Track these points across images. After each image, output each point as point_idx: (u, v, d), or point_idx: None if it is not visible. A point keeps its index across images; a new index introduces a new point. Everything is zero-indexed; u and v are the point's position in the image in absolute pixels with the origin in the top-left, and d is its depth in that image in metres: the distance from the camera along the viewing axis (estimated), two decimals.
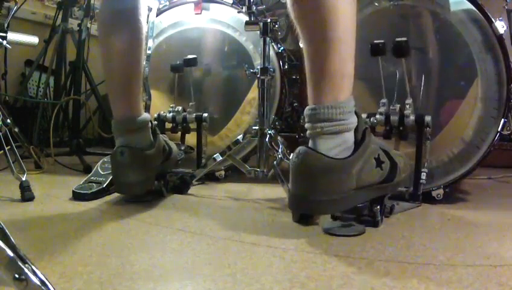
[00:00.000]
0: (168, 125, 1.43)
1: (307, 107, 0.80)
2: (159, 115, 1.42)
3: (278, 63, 1.41)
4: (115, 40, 1.02)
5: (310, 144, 0.79)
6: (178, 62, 1.48)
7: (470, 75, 1.11)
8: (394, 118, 1.09)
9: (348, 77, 0.79)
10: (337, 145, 0.77)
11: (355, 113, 0.80)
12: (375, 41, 1.12)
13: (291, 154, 1.14)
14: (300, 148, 0.76)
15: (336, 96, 0.77)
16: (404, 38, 1.10)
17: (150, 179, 1.05)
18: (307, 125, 0.80)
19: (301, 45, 0.84)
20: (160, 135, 1.12)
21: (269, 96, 1.23)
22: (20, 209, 0.94)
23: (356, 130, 0.80)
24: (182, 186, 1.19)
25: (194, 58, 1.45)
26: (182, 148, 1.32)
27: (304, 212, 0.84)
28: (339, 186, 0.75)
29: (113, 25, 1.03)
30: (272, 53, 1.34)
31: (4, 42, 1.30)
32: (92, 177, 1.13)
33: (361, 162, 0.77)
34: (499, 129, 1.07)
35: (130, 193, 1.05)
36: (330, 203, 0.75)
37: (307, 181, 0.75)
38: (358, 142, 0.79)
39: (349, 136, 0.79)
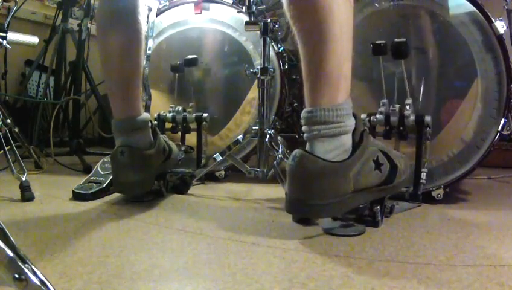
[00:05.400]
0: (168, 125, 1.43)
1: (304, 110, 0.79)
2: (159, 115, 1.42)
3: (278, 63, 1.41)
4: (114, 40, 1.01)
5: (307, 147, 0.78)
6: (178, 62, 1.48)
7: (470, 75, 1.11)
8: (394, 118, 1.09)
9: (344, 78, 0.78)
10: (334, 148, 0.76)
11: (353, 115, 0.80)
12: (376, 42, 1.12)
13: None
14: (296, 152, 0.75)
15: (332, 98, 0.77)
16: (403, 39, 1.10)
17: (150, 179, 1.05)
18: (303, 128, 0.79)
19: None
20: (161, 135, 1.12)
21: (269, 96, 1.23)
22: (20, 209, 0.94)
23: (354, 132, 0.79)
24: (181, 186, 1.19)
25: (195, 59, 1.45)
26: (182, 149, 1.32)
27: (300, 216, 0.84)
28: (335, 190, 0.75)
29: (111, 25, 1.03)
30: (272, 53, 1.34)
31: (4, 42, 1.30)
32: (92, 177, 1.13)
33: (359, 165, 0.77)
34: (499, 129, 1.07)
35: (129, 192, 1.05)
36: (326, 207, 0.74)
37: (303, 185, 0.75)
38: (356, 145, 0.78)
39: (347, 139, 0.78)
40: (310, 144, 0.78)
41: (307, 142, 0.79)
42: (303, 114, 0.79)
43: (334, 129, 0.76)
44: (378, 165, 0.80)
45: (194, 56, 1.46)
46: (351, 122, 0.79)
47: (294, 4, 0.78)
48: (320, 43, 0.76)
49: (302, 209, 0.77)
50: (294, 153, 0.76)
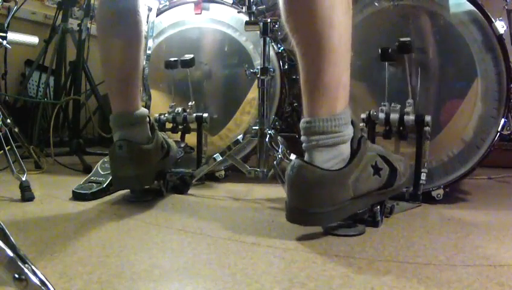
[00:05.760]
0: (169, 125, 1.43)
1: (302, 120, 0.79)
2: (159, 118, 1.42)
3: (278, 63, 1.41)
4: (114, 40, 1.02)
5: (306, 156, 0.79)
6: (172, 59, 1.47)
7: (470, 75, 1.11)
8: (394, 119, 1.09)
9: (343, 88, 0.78)
10: (332, 158, 0.77)
11: (352, 123, 0.80)
12: (384, 47, 1.12)
13: (291, 154, 1.14)
14: (295, 161, 0.76)
15: (331, 109, 0.77)
16: (407, 39, 1.10)
17: (149, 175, 1.04)
18: (302, 138, 0.79)
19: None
20: (159, 132, 1.12)
21: (269, 96, 1.23)
22: (20, 209, 0.94)
23: (352, 140, 0.79)
24: (181, 186, 1.19)
25: (192, 59, 1.45)
26: (182, 145, 1.32)
27: (300, 225, 0.84)
28: (334, 198, 0.75)
29: (111, 25, 1.03)
30: (272, 53, 1.34)
31: (4, 42, 1.30)
32: (92, 177, 1.13)
33: (357, 172, 0.77)
34: (499, 129, 1.07)
35: (127, 187, 1.05)
36: (326, 215, 0.75)
37: (302, 194, 0.75)
38: (354, 152, 0.78)
39: (345, 148, 0.78)
40: (309, 153, 0.78)
41: (305, 152, 0.79)
42: (301, 124, 0.79)
43: (333, 139, 0.76)
44: (377, 170, 0.80)
45: (191, 56, 1.45)
46: (349, 132, 0.79)
47: (294, 16, 0.77)
48: (319, 55, 0.76)
49: (302, 218, 0.77)
50: (292, 162, 0.76)
